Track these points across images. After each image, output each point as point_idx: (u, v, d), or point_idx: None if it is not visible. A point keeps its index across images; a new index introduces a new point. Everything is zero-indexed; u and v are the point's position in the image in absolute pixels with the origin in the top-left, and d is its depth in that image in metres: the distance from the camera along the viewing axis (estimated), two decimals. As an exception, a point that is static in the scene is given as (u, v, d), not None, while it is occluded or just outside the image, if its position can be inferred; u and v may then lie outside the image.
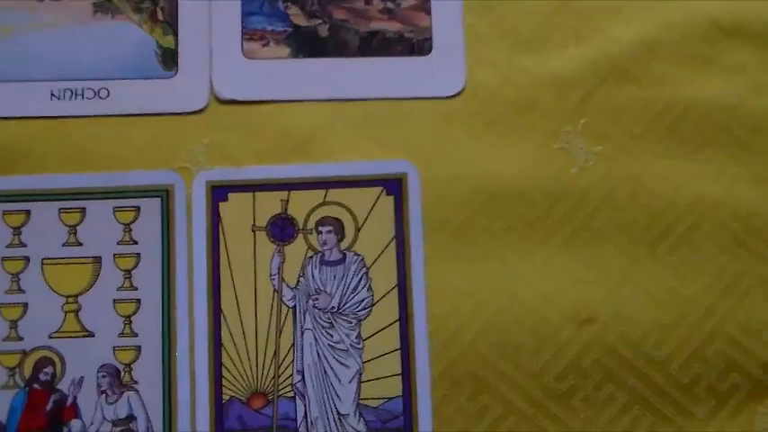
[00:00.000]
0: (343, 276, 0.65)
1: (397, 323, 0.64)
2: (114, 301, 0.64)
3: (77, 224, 0.65)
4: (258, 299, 0.64)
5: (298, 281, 0.65)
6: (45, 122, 0.66)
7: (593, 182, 0.67)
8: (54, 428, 0.63)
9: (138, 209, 0.65)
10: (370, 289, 0.65)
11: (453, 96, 0.68)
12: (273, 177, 0.65)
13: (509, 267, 0.66)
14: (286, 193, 0.65)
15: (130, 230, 0.65)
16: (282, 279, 0.64)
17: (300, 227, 0.65)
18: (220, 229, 0.65)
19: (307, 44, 0.67)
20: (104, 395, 0.63)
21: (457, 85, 0.67)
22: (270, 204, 0.65)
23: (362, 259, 0.65)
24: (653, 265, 0.66)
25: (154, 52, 0.67)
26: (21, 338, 0.63)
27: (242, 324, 0.64)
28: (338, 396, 0.64)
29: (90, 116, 0.66)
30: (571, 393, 0.65)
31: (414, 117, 0.67)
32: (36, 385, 0.63)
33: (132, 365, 0.63)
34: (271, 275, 0.64)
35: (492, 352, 0.65)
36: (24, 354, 0.63)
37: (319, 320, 0.64)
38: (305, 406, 0.64)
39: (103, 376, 0.63)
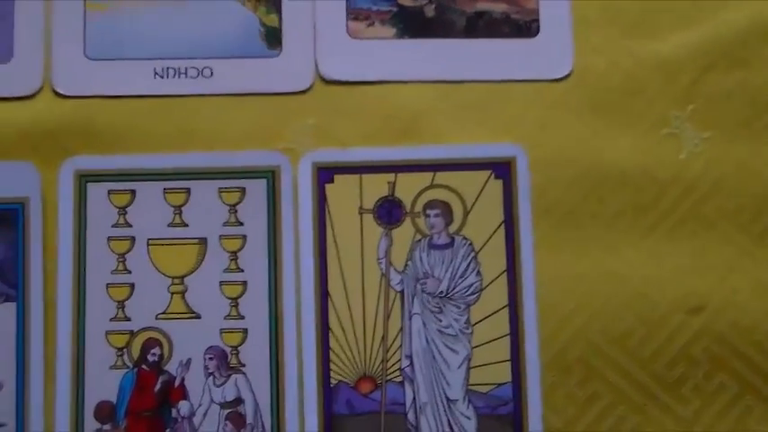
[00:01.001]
0: (452, 260, 0.64)
1: (507, 308, 0.63)
2: (221, 282, 0.63)
3: (182, 205, 0.64)
4: (365, 283, 0.63)
5: (405, 265, 0.64)
6: (149, 101, 0.65)
7: (702, 168, 0.66)
8: (163, 409, 0.62)
9: (243, 190, 0.64)
10: (478, 274, 0.64)
11: (560, 80, 0.66)
12: (380, 159, 0.64)
13: (618, 254, 0.65)
14: (393, 175, 0.64)
15: (236, 212, 0.64)
16: (390, 263, 0.64)
17: (408, 210, 0.64)
18: (327, 212, 0.64)
19: (412, 24, 0.66)
20: (212, 377, 0.62)
21: (564, 68, 0.66)
22: (377, 187, 0.64)
23: (471, 243, 0.64)
24: (762, 254, 0.65)
25: (258, 31, 0.66)
26: (128, 319, 0.63)
27: (349, 308, 0.63)
28: (447, 382, 0.63)
29: (194, 95, 0.65)
30: (681, 382, 0.64)
31: (520, 100, 0.66)
32: (144, 366, 0.62)
33: (239, 348, 0.63)
34: (378, 259, 0.64)
35: (602, 339, 0.64)
36: (132, 334, 0.62)
37: (428, 305, 0.63)
38: (413, 391, 0.63)
39: (210, 358, 0.62)
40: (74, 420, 0.61)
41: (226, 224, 0.64)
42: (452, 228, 0.64)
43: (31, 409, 0.61)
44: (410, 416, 0.63)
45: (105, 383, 0.62)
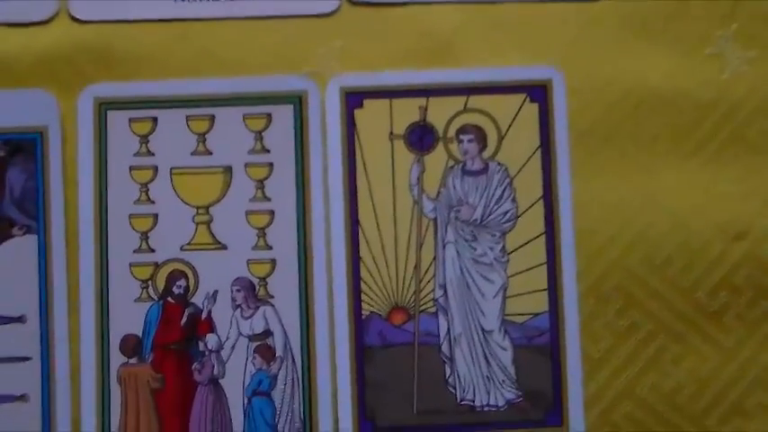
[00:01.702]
0: (486, 187, 0.61)
1: (543, 236, 0.61)
2: (247, 212, 0.61)
3: (206, 132, 0.61)
4: (397, 210, 0.61)
5: (438, 192, 0.61)
6: (170, 25, 0.63)
7: (746, 89, 0.63)
8: (190, 343, 0.60)
9: (269, 116, 0.61)
10: (514, 200, 0.61)
11: (599, -1, 0.63)
12: (411, 83, 0.62)
13: (658, 179, 0.62)
14: (425, 99, 0.62)
15: (262, 139, 0.61)
16: (422, 190, 0.61)
17: (440, 135, 0.62)
18: (356, 138, 0.61)
19: (442, -58, 0.63)
20: (239, 309, 0.60)
21: (602, -14, 0.63)
22: (408, 111, 0.62)
23: (506, 169, 0.62)
24: (808, 177, 0.62)
25: (281, -49, 0.63)
26: (152, 250, 0.61)
27: (381, 237, 0.61)
28: (482, 312, 0.61)
29: (217, 18, 0.62)
30: (723, 311, 0.62)
31: (557, 20, 0.63)
32: (170, 299, 0.61)
33: (267, 279, 0.61)
34: (410, 186, 0.61)
35: (641, 267, 0.62)
36: (156, 266, 0.61)
37: (462, 233, 0.61)
38: (447, 322, 0.61)
39: (238, 290, 0.60)
40: (99, 354, 0.60)
41: (251, 152, 0.61)
42: (486, 153, 0.62)
43: (55, 342, 0.60)
44: (444, 347, 0.61)
45: (130, 316, 0.60)
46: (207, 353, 0.60)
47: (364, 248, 0.61)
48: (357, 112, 0.62)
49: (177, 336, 0.60)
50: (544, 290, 0.61)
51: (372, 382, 0.60)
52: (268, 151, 0.62)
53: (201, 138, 0.62)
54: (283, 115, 0.62)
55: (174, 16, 0.63)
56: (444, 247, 0.61)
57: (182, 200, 0.61)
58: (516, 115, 0.62)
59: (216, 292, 0.61)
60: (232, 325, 0.61)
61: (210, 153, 0.62)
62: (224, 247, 0.61)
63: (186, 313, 0.61)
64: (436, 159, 0.62)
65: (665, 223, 0.62)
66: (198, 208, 0.61)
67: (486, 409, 0.61)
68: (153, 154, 0.62)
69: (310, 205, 0.61)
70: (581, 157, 0.62)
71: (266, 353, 0.60)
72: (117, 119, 0.61)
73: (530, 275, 0.61)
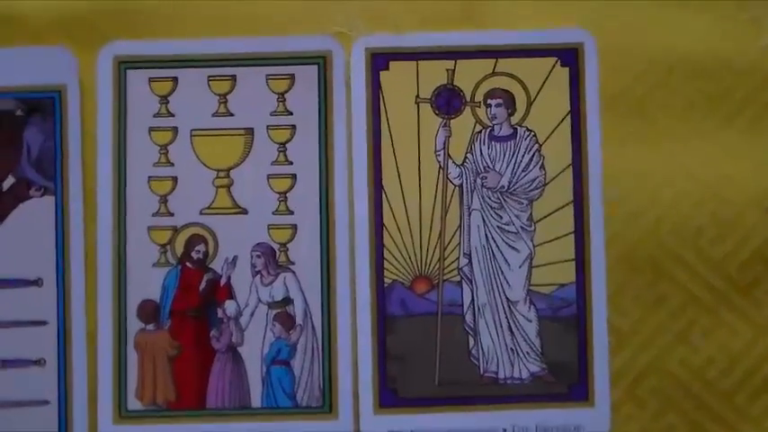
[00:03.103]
0: (514, 153, 0.60)
1: (571, 205, 0.59)
2: (268, 176, 0.59)
3: (228, 93, 0.60)
4: (422, 176, 0.59)
5: (465, 157, 0.60)
6: (191, -17, 0.60)
7: (784, 56, 0.61)
8: (208, 309, 0.59)
9: (292, 77, 0.60)
10: (542, 167, 0.60)
11: (632, -40, 0.61)
12: (438, 45, 0.60)
13: (690, 147, 0.60)
14: (452, 62, 0.60)
15: (284, 100, 0.60)
16: (448, 155, 0.60)
17: (468, 99, 0.60)
18: (381, 101, 0.60)
19: None
20: (259, 276, 0.59)
21: (636, -53, 0.61)
22: (435, 74, 0.60)
23: (534, 135, 0.60)
24: None
25: None
26: (171, 214, 0.59)
27: (405, 203, 0.59)
28: (507, 281, 0.59)
29: (239, -24, 0.60)
30: (755, 284, 0.60)
31: (589, -18, 0.61)
32: (188, 264, 0.59)
33: (288, 245, 0.59)
34: (435, 151, 0.60)
35: (672, 237, 0.60)
36: (175, 230, 0.59)
37: (488, 200, 0.60)
38: (472, 291, 0.59)
39: (258, 256, 0.59)
40: (116, 319, 0.59)
41: (274, 113, 0.60)
42: (515, 118, 0.60)
43: (72, 307, 0.58)
44: (468, 317, 0.59)
45: (148, 281, 0.59)
46: (225, 320, 0.59)
47: (388, 215, 0.59)
48: (383, 74, 0.60)
49: (195, 302, 0.59)
50: (571, 260, 0.60)
51: (394, 352, 0.59)
52: (291, 113, 0.60)
53: (223, 99, 0.60)
54: (307, 76, 0.60)
55: (195, -26, 0.61)
56: (470, 214, 0.60)
57: (202, 162, 0.60)
58: (546, 80, 0.60)
59: (235, 257, 0.59)
60: (251, 292, 0.59)
61: (232, 114, 0.60)
62: (244, 212, 0.60)
63: (205, 279, 0.59)
64: (463, 124, 0.60)
65: (696, 193, 0.60)
66: (218, 171, 0.60)
67: (509, 381, 0.59)
68: (173, 115, 0.60)
69: (333, 170, 0.60)
70: (612, 124, 0.60)
71: (286, 321, 0.59)
72: (137, 78, 0.60)
73: (557, 245, 0.60)
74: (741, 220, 0.60)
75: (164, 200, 0.59)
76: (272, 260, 0.59)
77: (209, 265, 0.59)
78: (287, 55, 0.60)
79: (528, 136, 0.60)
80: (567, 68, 0.60)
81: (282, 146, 0.60)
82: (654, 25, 0.61)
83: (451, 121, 0.60)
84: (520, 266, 0.60)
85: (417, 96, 0.60)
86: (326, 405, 0.58)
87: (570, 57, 0.60)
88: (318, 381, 0.59)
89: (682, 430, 0.60)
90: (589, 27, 0.61)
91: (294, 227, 0.59)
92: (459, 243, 0.60)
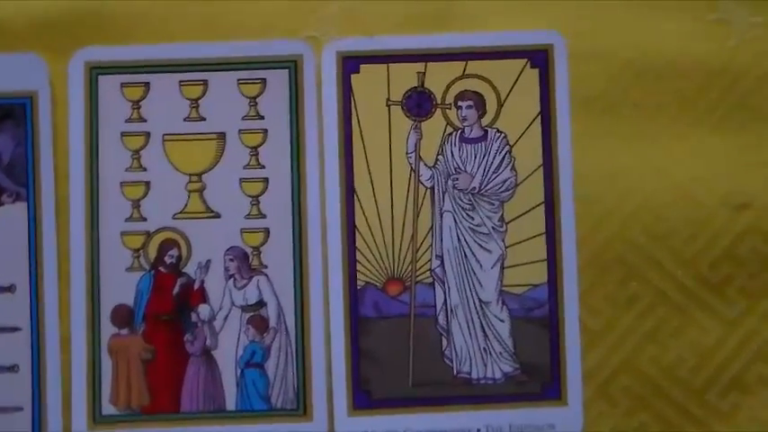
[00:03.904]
0: (485, 155, 0.60)
1: (542, 206, 0.60)
2: (241, 180, 0.60)
3: (199, 97, 0.60)
4: (393, 178, 0.60)
5: (436, 159, 0.60)
6: (162, -13, 0.60)
7: (753, 56, 0.62)
8: (182, 313, 0.59)
9: (264, 81, 0.60)
10: (513, 168, 0.60)
11: (601, -39, 0.62)
12: (409, 48, 0.60)
13: (661, 148, 0.61)
14: (423, 64, 0.60)
15: (256, 104, 0.60)
16: (419, 157, 0.60)
17: (438, 101, 0.60)
18: (352, 103, 0.60)
19: None
20: (232, 279, 0.59)
21: (605, -52, 0.61)
22: (405, 77, 0.60)
23: (505, 136, 0.60)
24: (816, 147, 0.61)
25: None
26: (144, 219, 0.59)
27: (377, 205, 0.59)
28: (479, 282, 0.60)
29: (210, -19, 0.60)
30: (726, 282, 0.61)
31: (559, -17, 0.61)
32: (162, 268, 0.59)
33: (261, 248, 0.59)
34: (407, 153, 0.60)
35: (643, 237, 0.60)
36: (148, 235, 0.59)
37: (459, 202, 0.60)
38: (444, 292, 0.60)
39: (231, 259, 0.59)
40: (90, 324, 0.59)
41: (245, 118, 0.60)
42: (485, 120, 0.60)
43: (45, 312, 0.59)
44: (441, 318, 0.60)
45: (122, 286, 0.59)
46: (199, 324, 0.59)
47: (360, 217, 0.60)
48: (354, 78, 0.60)
49: (169, 306, 0.59)
50: (543, 260, 0.60)
51: (367, 353, 0.59)
52: (262, 117, 0.60)
53: (195, 103, 0.60)
54: (278, 80, 0.60)
55: (166, -21, 0.61)
56: (441, 216, 0.60)
57: (174, 167, 0.60)
58: (516, 81, 0.61)
59: (209, 261, 0.59)
60: (225, 295, 0.60)
61: (204, 119, 0.60)
62: (217, 216, 0.60)
63: (178, 283, 0.60)
64: (434, 126, 0.61)
65: (667, 193, 0.61)
66: (190, 175, 0.60)
67: (482, 381, 0.60)
68: (145, 120, 0.60)
69: (305, 173, 0.60)
70: (582, 124, 0.61)
71: (260, 324, 0.59)
72: (109, 83, 0.60)
73: (528, 246, 0.60)
74: (711, 219, 0.61)
75: (136, 205, 0.60)
76: (244, 264, 0.59)
77: (183, 270, 0.60)
78: (258, 59, 0.60)
79: (499, 137, 0.60)
80: (537, 70, 0.60)
81: (254, 150, 0.60)
82: (624, 26, 0.61)
83: (422, 123, 0.60)
84: (492, 267, 0.60)
85: (388, 99, 0.60)
86: (301, 407, 0.59)
87: (540, 58, 0.60)
88: (293, 383, 0.59)
89: (654, 428, 0.60)
90: (559, 28, 0.61)
91: (267, 230, 0.60)
92: (432, 245, 0.60)
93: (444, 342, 0.60)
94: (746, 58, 0.62)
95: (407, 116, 0.61)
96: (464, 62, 0.61)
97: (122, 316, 0.59)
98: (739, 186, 0.61)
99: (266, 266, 0.60)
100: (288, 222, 0.60)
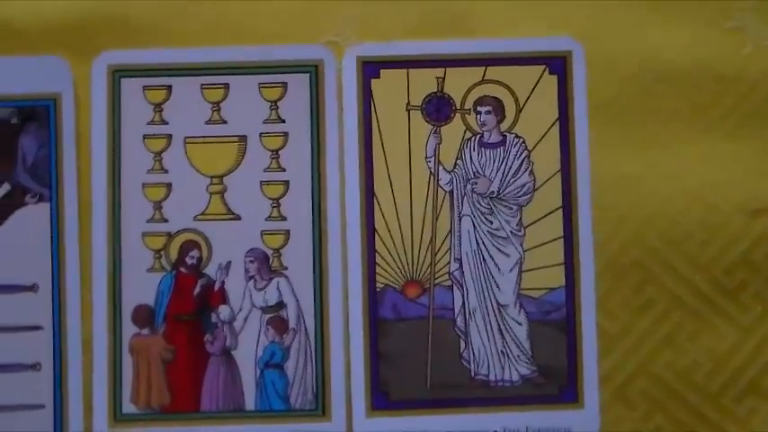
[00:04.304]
0: (504, 159, 0.61)
1: (560, 210, 0.60)
2: (261, 182, 0.60)
3: (221, 101, 0.61)
4: (413, 182, 0.60)
5: (455, 164, 0.61)
6: (185, -8, 0.61)
7: (767, 64, 0.62)
8: (202, 314, 0.59)
9: (284, 85, 0.61)
10: (531, 173, 0.61)
11: (618, -30, 0.62)
12: (428, 53, 0.61)
13: (676, 154, 0.61)
14: (442, 70, 0.61)
15: (277, 108, 0.61)
16: (439, 161, 0.61)
17: (458, 106, 0.61)
18: (372, 108, 0.61)
19: None
20: (253, 281, 0.60)
21: (622, -43, 0.62)
22: (425, 82, 0.61)
23: (524, 141, 0.61)
24: (829, 154, 0.62)
25: None
26: (165, 220, 0.60)
27: (396, 208, 0.60)
28: (498, 286, 0.60)
29: (233, -14, 0.61)
30: (741, 288, 0.61)
31: (577, -9, 0.62)
32: (183, 269, 0.60)
33: (281, 250, 0.60)
34: (426, 157, 0.61)
35: (659, 242, 0.61)
36: (170, 236, 0.60)
37: (478, 206, 0.60)
38: (462, 296, 0.60)
39: (251, 261, 0.60)
40: (111, 324, 0.59)
41: (266, 121, 0.61)
42: (504, 125, 0.61)
43: (67, 312, 0.59)
44: (459, 321, 0.60)
45: (143, 286, 0.60)
46: (219, 324, 0.60)
47: (379, 220, 0.60)
48: (374, 82, 0.61)
49: (190, 307, 0.60)
50: (561, 264, 0.60)
51: (386, 355, 0.60)
52: (283, 121, 0.61)
53: (216, 106, 0.61)
54: (299, 84, 0.61)
55: (189, -17, 0.61)
56: (460, 219, 0.61)
57: (195, 169, 0.61)
58: (535, 87, 0.61)
59: (229, 262, 0.60)
60: (245, 296, 0.60)
61: (225, 122, 0.61)
62: (238, 218, 0.60)
63: (199, 284, 0.60)
64: (453, 131, 0.61)
65: (683, 199, 0.61)
66: (212, 177, 0.61)
67: (500, 384, 0.60)
68: (167, 122, 0.61)
69: (325, 176, 0.60)
70: (599, 130, 0.61)
71: (279, 325, 0.60)
72: (131, 86, 0.61)
73: (546, 249, 0.61)
74: (727, 224, 0.61)
75: (158, 206, 0.60)
76: (265, 265, 0.60)
77: (204, 271, 0.60)
78: (279, 63, 0.61)
79: (517, 142, 0.61)
80: (556, 76, 0.61)
81: (275, 153, 0.61)
82: (641, 34, 0.62)
83: (442, 128, 0.61)
84: (510, 271, 0.61)
85: (408, 104, 0.61)
86: (319, 408, 0.59)
87: (558, 65, 0.61)
88: (311, 384, 0.59)
89: (669, 431, 0.60)
90: (577, 36, 0.62)
91: (287, 232, 0.60)
92: (450, 248, 0.61)
93: (462, 344, 0.60)
94: (761, 66, 0.63)
95: (427, 121, 0.61)
96: (483, 68, 0.61)
97: (143, 316, 0.60)
98: (754, 192, 0.62)
99: (286, 268, 0.60)
100: (308, 225, 0.60)
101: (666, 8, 0.62)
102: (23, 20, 0.61)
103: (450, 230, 0.61)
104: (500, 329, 0.60)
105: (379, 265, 0.60)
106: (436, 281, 0.60)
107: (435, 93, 0.61)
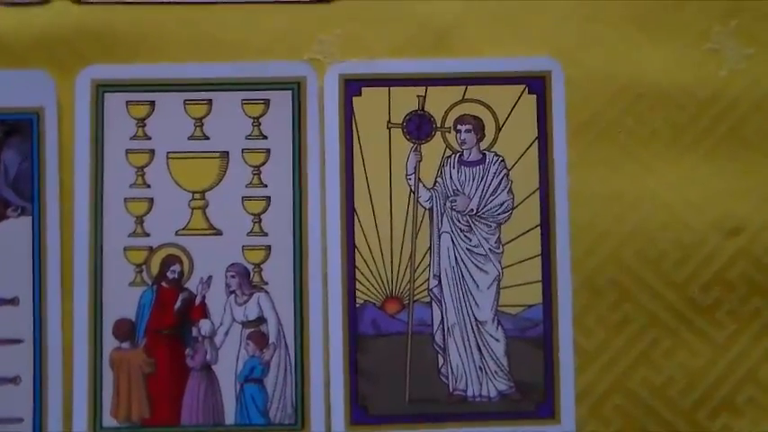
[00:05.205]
0: (483, 177, 0.61)
1: (538, 228, 0.61)
2: (243, 198, 0.61)
3: (204, 117, 0.61)
4: (393, 199, 0.61)
5: (435, 181, 0.61)
6: (171, 8, 0.62)
7: (744, 86, 0.63)
8: (183, 328, 0.60)
9: (267, 102, 0.61)
10: (510, 191, 0.61)
11: (598, -9, 0.63)
12: (410, 72, 0.62)
13: (654, 173, 0.62)
14: (423, 88, 0.62)
15: (259, 124, 0.61)
16: (419, 179, 0.61)
17: (438, 125, 0.62)
18: (354, 125, 0.61)
19: (444, -69, 0.63)
20: (234, 295, 0.60)
21: (602, -22, 0.63)
22: (406, 100, 0.62)
23: (503, 160, 0.62)
24: (804, 175, 0.63)
25: (282, -64, 0.62)
26: (147, 234, 0.60)
27: (376, 225, 0.61)
28: (476, 302, 0.61)
29: (218, 3, 0.62)
30: (716, 306, 0.62)
31: (557, 12, 0.63)
32: (164, 283, 0.60)
33: (262, 265, 0.61)
34: (407, 175, 0.61)
35: (636, 260, 0.62)
36: (151, 251, 0.60)
37: (457, 223, 0.61)
38: (441, 312, 0.61)
39: (232, 276, 0.60)
40: (92, 337, 0.60)
41: (249, 137, 0.61)
42: (484, 144, 0.62)
43: (48, 325, 0.60)
44: (437, 337, 0.61)
45: (124, 300, 0.60)
46: (200, 338, 0.60)
47: (360, 237, 0.61)
48: (355, 100, 0.62)
49: (170, 321, 0.60)
50: (538, 282, 0.61)
51: (365, 370, 0.60)
52: (265, 137, 0.62)
53: (199, 122, 0.61)
54: (281, 101, 0.62)
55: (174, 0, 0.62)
56: (440, 236, 0.61)
57: (178, 184, 0.61)
58: (514, 106, 0.62)
59: (210, 277, 0.60)
60: (226, 311, 0.61)
61: (208, 138, 0.61)
62: (219, 233, 0.61)
63: (180, 298, 0.61)
64: (433, 149, 0.62)
65: (660, 218, 0.62)
66: (194, 193, 0.61)
67: (477, 399, 0.61)
68: (150, 137, 0.61)
69: (306, 192, 0.61)
70: (578, 149, 0.62)
71: (259, 339, 0.60)
72: (114, 101, 0.61)
73: (524, 267, 0.61)
74: (702, 243, 0.62)
75: (140, 221, 0.61)
76: (246, 280, 0.60)
77: (185, 285, 0.60)
78: (262, 80, 0.61)
79: (497, 161, 0.62)
80: (535, 96, 0.62)
81: (257, 169, 0.61)
82: (619, 55, 0.63)
83: (422, 145, 0.62)
84: (488, 288, 0.61)
85: (389, 122, 0.62)
86: (299, 422, 0.60)
87: (538, 84, 0.62)
88: (291, 398, 0.60)
89: (644, 448, 0.61)
90: (558, 56, 0.63)
91: (268, 248, 0.61)
92: (430, 264, 0.61)
93: (441, 360, 0.61)
94: (737, 88, 0.63)
95: (408, 138, 0.62)
96: (464, 87, 0.62)
97: (124, 329, 0.60)
98: (730, 212, 0.63)
99: (267, 283, 0.61)
100: (289, 240, 0.61)
101: (646, 29, 0.63)
102: (8, 33, 0.61)
103: (430, 247, 0.61)
104: (478, 345, 0.61)
105: (359, 281, 0.61)
106: (415, 297, 0.61)
107: (416, 111, 0.62)
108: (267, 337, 0.60)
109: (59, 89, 0.61)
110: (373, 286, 0.61)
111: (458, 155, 0.62)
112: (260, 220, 0.61)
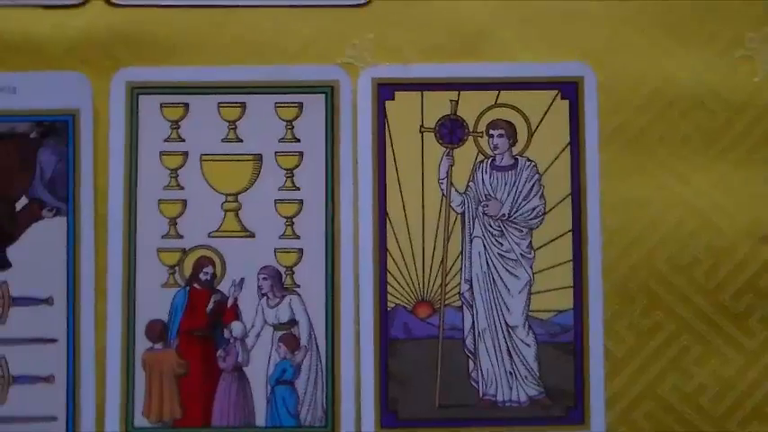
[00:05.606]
0: (515, 182, 0.61)
1: (570, 233, 0.61)
2: (276, 201, 0.61)
3: (237, 119, 0.61)
4: (425, 203, 0.61)
5: (467, 186, 0.62)
6: (204, 11, 0.63)
7: (777, 92, 0.63)
8: (215, 330, 0.60)
9: (300, 105, 0.61)
10: (542, 197, 0.61)
11: (631, -3, 0.63)
12: (442, 76, 0.62)
13: (686, 179, 0.62)
14: (456, 93, 0.62)
15: (293, 128, 0.62)
16: (451, 183, 0.61)
17: (470, 129, 0.62)
18: (386, 129, 0.61)
19: (477, -64, 0.63)
20: (265, 298, 0.60)
21: (635, -16, 0.63)
22: (439, 105, 0.62)
23: (535, 165, 0.62)
24: (838, 183, 0.62)
25: (316, -59, 0.63)
26: (180, 236, 0.61)
27: (408, 229, 0.61)
28: (507, 307, 0.61)
29: (252, 6, 0.62)
30: (748, 313, 0.62)
31: (590, 17, 0.63)
32: (196, 285, 0.61)
33: (294, 269, 0.61)
34: (439, 179, 0.61)
35: (667, 267, 0.62)
36: (184, 252, 0.61)
37: (489, 228, 0.61)
38: (472, 316, 0.61)
39: (264, 278, 0.61)
40: (125, 338, 0.60)
41: (282, 140, 0.62)
42: (516, 149, 0.62)
43: (82, 325, 0.60)
44: (468, 341, 0.61)
45: (157, 301, 0.61)
46: (232, 340, 0.61)
47: (392, 240, 0.61)
48: (388, 104, 0.62)
49: (202, 322, 0.61)
50: (569, 287, 0.61)
51: (396, 374, 0.60)
52: (298, 140, 0.62)
53: (232, 125, 0.62)
54: (315, 105, 0.62)
55: (208, 3, 0.63)
56: (471, 241, 0.62)
57: (211, 187, 0.61)
58: (547, 111, 0.62)
59: (242, 279, 0.61)
60: (257, 313, 0.61)
61: (241, 141, 0.62)
62: (252, 235, 0.61)
63: (212, 300, 0.61)
64: (466, 153, 0.62)
65: (692, 224, 0.62)
66: (227, 195, 0.61)
67: (507, 404, 0.61)
68: (183, 140, 0.62)
69: (339, 196, 0.61)
70: (610, 155, 0.62)
71: (291, 342, 0.61)
72: (149, 103, 0.62)
73: (555, 272, 0.61)
74: (735, 250, 0.62)
75: (173, 222, 0.61)
76: (278, 283, 0.61)
77: (217, 287, 0.61)
78: (296, 84, 0.62)
79: (529, 166, 0.62)
80: (568, 101, 0.62)
81: (290, 172, 0.61)
82: (652, 60, 0.63)
83: (454, 150, 0.62)
84: (519, 292, 0.61)
85: (422, 126, 0.62)
86: (329, 425, 0.60)
87: (570, 90, 0.62)
88: (321, 401, 0.60)
89: (674, 455, 0.61)
90: (590, 61, 0.63)
91: (300, 251, 0.61)
92: (461, 269, 0.61)
93: (471, 365, 0.61)
94: (771, 94, 0.63)
95: (440, 143, 0.62)
96: (496, 92, 0.62)
97: (157, 331, 0.60)
98: (763, 218, 0.63)
99: (299, 286, 0.61)
100: (321, 243, 0.61)
101: (679, 35, 0.63)
102: (45, 36, 0.62)
103: (461, 252, 0.61)
104: (509, 350, 0.61)
105: (390, 285, 0.61)
106: (446, 301, 0.61)
107: (449, 115, 0.62)
108: (298, 340, 0.60)
109: (95, 91, 0.61)
110: (404, 290, 0.61)
111: (490, 160, 0.62)
112: (292, 223, 0.61)
